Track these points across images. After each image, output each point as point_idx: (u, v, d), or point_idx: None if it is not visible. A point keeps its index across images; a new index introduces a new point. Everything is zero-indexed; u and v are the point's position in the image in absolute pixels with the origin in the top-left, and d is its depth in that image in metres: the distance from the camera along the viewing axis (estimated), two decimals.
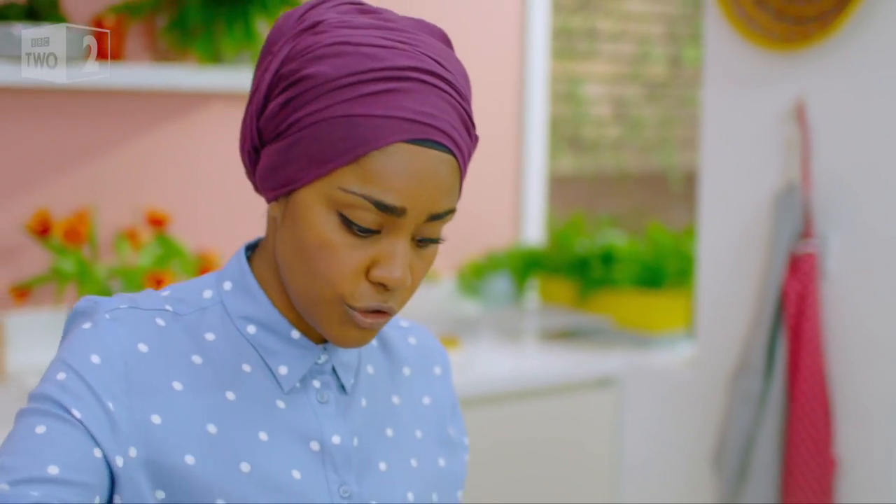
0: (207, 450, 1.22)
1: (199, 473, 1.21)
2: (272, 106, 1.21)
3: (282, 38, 1.23)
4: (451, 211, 1.21)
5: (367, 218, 1.16)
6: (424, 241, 1.21)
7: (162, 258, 2.82)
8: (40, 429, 1.16)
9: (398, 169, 1.16)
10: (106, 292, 2.67)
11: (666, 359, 3.15)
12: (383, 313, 1.21)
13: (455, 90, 1.20)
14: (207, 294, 1.30)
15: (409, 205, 1.16)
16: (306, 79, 1.18)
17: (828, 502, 2.62)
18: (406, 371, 1.43)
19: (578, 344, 3.34)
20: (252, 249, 1.35)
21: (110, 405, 1.18)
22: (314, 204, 1.19)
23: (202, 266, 2.91)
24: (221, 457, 1.22)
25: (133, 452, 1.19)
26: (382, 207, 1.16)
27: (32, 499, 1.11)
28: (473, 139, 1.24)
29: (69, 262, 2.71)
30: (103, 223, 3.01)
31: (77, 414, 1.17)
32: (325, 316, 1.21)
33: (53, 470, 1.14)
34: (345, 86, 1.16)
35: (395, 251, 1.18)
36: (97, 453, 1.16)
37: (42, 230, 2.69)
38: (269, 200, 1.26)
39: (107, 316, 1.22)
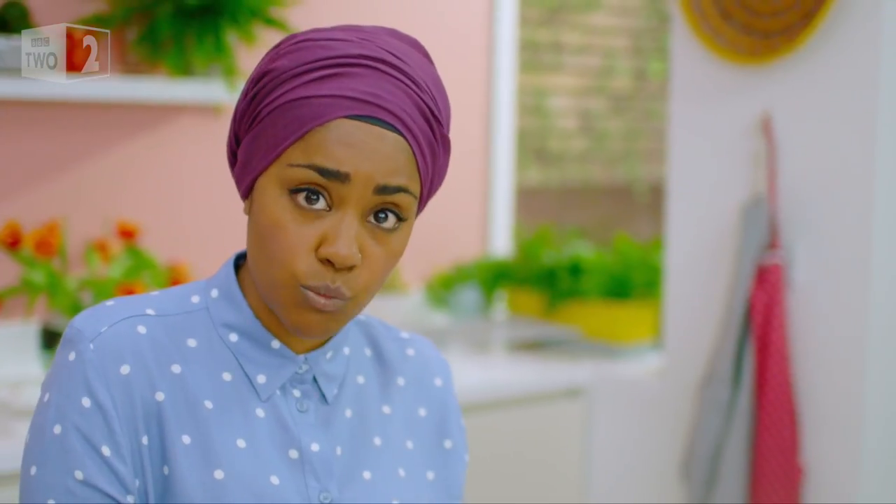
0: (182, 460, 1.24)
1: (173, 483, 1.23)
2: (243, 104, 1.26)
3: (265, 56, 1.28)
4: (405, 190, 1.21)
5: (314, 190, 1.19)
6: (380, 219, 1.22)
7: (132, 270, 2.82)
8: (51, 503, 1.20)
9: (339, 139, 1.19)
10: (76, 304, 2.67)
11: (634, 369, 3.17)
12: (336, 295, 1.22)
13: (411, 80, 1.22)
14: (195, 299, 1.32)
15: (352, 171, 1.18)
16: (269, 72, 1.23)
17: None
18: (400, 381, 1.43)
19: (546, 355, 3.36)
20: (243, 258, 1.37)
21: (106, 451, 1.21)
22: (268, 188, 1.22)
23: (173, 278, 2.92)
24: (194, 465, 1.24)
25: (137, 483, 1.22)
26: (325, 173, 1.18)
27: None
28: (437, 135, 1.25)
29: (39, 273, 2.71)
30: (74, 235, 3.01)
31: (80, 476, 1.20)
32: (284, 302, 1.23)
33: None
34: (298, 73, 1.21)
35: (342, 227, 1.20)
36: None
37: (12, 242, 2.68)
38: (244, 200, 1.29)
39: (91, 346, 1.24)
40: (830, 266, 2.63)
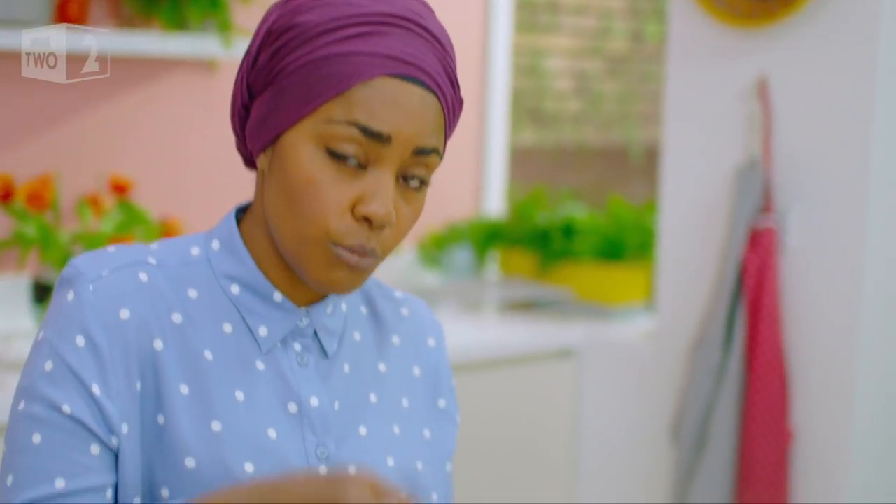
0: (179, 410, 1.23)
1: (169, 433, 1.23)
2: (262, 58, 1.24)
3: (276, 9, 1.26)
4: (437, 152, 1.22)
5: (353, 149, 1.19)
6: (410, 179, 1.23)
7: (124, 224, 2.81)
8: (36, 438, 1.20)
9: (384, 98, 1.18)
10: (68, 258, 2.66)
11: (626, 331, 3.18)
12: (369, 253, 1.23)
13: (437, 40, 1.23)
14: (195, 251, 1.32)
15: (395, 133, 1.19)
16: (293, 27, 1.21)
17: (784, 473, 2.66)
18: (395, 340, 1.43)
19: (538, 315, 3.36)
20: (243, 212, 1.36)
21: (96, 390, 1.21)
22: (301, 143, 1.21)
23: (165, 233, 2.91)
24: (192, 416, 1.24)
25: (125, 429, 1.22)
26: (369, 133, 1.18)
27: None
28: (458, 97, 1.26)
29: (32, 227, 2.70)
30: (66, 189, 3.00)
31: (67, 409, 1.20)
32: (312, 260, 1.23)
33: (60, 484, 1.19)
34: (329, 30, 1.20)
35: (380, 186, 1.20)
36: (94, 450, 1.20)
37: (4, 195, 2.67)
38: (256, 155, 1.27)
39: (90, 287, 1.23)
40: (824, 231, 2.63)
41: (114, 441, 1.21)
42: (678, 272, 2.93)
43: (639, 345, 3.07)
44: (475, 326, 3.20)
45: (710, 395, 2.76)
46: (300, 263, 1.24)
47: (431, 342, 1.47)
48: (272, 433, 1.27)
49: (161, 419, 1.23)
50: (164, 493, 1.23)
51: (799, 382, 2.68)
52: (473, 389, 3.01)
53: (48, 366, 1.21)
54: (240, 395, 1.27)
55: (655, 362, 3.00)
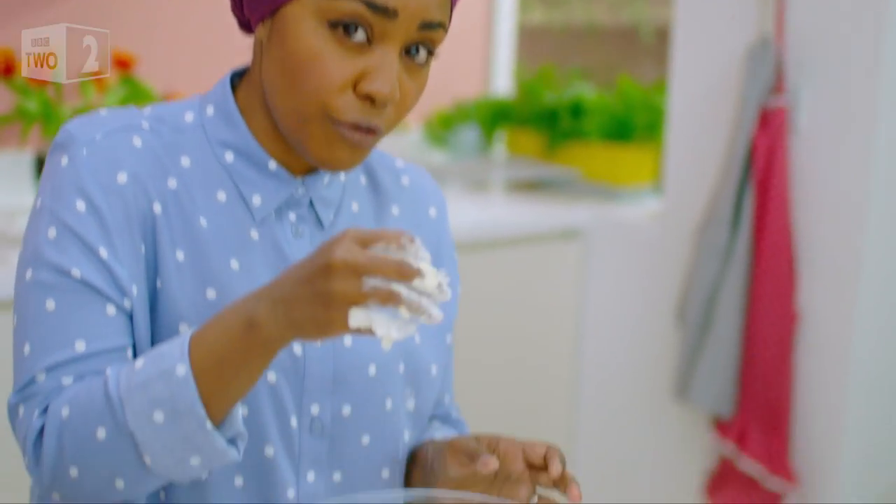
0: (174, 275, 1.22)
1: (165, 297, 1.22)
2: None
3: None
4: (443, 26, 1.21)
5: (358, 23, 1.16)
6: (415, 54, 1.20)
7: (127, 100, 2.78)
8: (50, 304, 1.18)
9: None
10: None
11: (633, 212, 3.16)
12: (371, 131, 1.20)
13: None
14: (189, 117, 1.29)
15: (401, 7, 1.16)
16: None
17: (788, 354, 2.66)
18: (395, 210, 1.41)
19: (545, 196, 3.34)
20: (239, 77, 1.33)
21: (103, 253, 1.19)
22: (303, 18, 1.18)
23: None
24: (187, 282, 1.23)
25: (135, 290, 1.20)
26: (374, 7, 1.15)
27: (66, 388, 1.16)
28: None
29: (34, 102, 2.67)
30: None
31: (77, 273, 1.18)
32: (311, 137, 1.21)
33: (81, 346, 1.17)
34: None
35: (385, 63, 1.18)
36: (110, 311, 1.19)
37: (6, 69, 2.64)
38: (254, 24, 1.24)
39: (84, 151, 1.21)
40: (836, 111, 2.59)
41: (126, 303, 1.20)
42: (687, 153, 2.90)
43: (645, 226, 3.05)
44: (481, 206, 3.18)
45: (716, 276, 2.75)
46: (299, 140, 1.22)
47: (433, 212, 1.45)
48: None
49: (159, 283, 1.22)
50: None
51: (806, 264, 2.67)
52: (479, 269, 3.00)
53: (51, 232, 1.19)
54: (235, 264, 1.25)
55: (662, 243, 2.98)
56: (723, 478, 2.81)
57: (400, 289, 1.03)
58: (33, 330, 1.18)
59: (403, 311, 1.04)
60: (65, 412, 1.13)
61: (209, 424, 1.10)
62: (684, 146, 2.90)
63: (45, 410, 1.16)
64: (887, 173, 2.58)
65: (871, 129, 2.53)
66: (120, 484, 1.13)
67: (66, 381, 1.16)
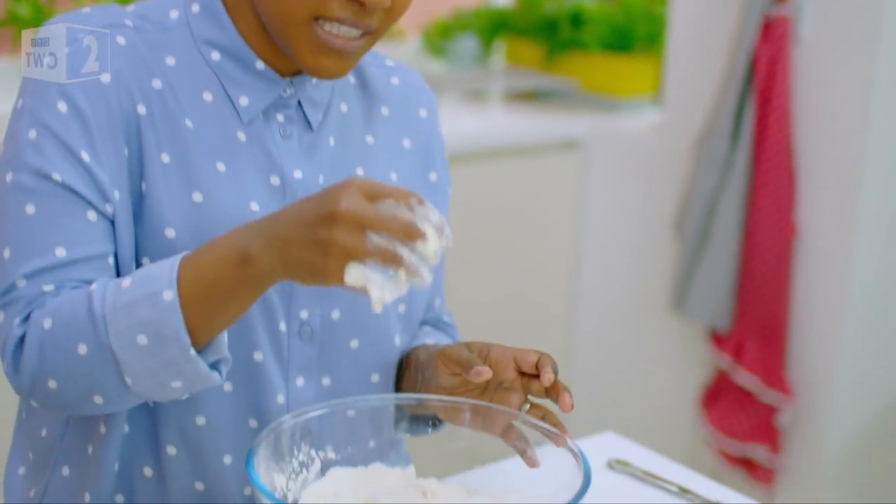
0: (160, 178, 1.20)
1: (150, 201, 1.19)
2: None
3: None
4: None
5: None
6: None
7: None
8: (30, 209, 1.15)
9: None
10: None
11: (632, 123, 3.13)
12: (360, 37, 1.18)
13: None
14: (174, 14, 1.25)
15: None
16: None
17: (787, 267, 2.65)
18: (384, 111, 1.38)
19: (544, 106, 3.30)
20: None
21: (85, 156, 1.16)
22: None
23: None
24: (173, 185, 1.20)
25: (117, 195, 1.17)
26: None
27: (49, 297, 1.14)
28: None
29: (25, 7, 2.63)
30: None
31: (58, 177, 1.15)
32: (297, 40, 1.18)
33: (61, 252, 1.15)
34: None
35: None
36: (91, 216, 1.16)
37: None
38: None
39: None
40: (839, 21, 2.55)
41: (108, 208, 1.17)
42: (687, 63, 2.86)
43: (645, 137, 3.02)
44: (479, 116, 3.15)
45: (715, 188, 2.72)
46: (286, 44, 1.20)
47: (423, 113, 1.42)
48: (254, 206, 1.23)
49: (144, 186, 1.19)
50: (146, 262, 1.20)
51: (806, 177, 2.64)
52: (476, 180, 2.97)
53: (31, 134, 1.17)
54: (221, 167, 1.23)
55: (661, 155, 2.95)
56: (718, 391, 2.81)
57: (402, 250, 1.01)
58: (13, 234, 1.16)
59: (401, 273, 1.02)
60: (47, 323, 1.12)
61: (192, 352, 1.09)
62: (685, 56, 2.87)
63: (27, 318, 1.14)
64: (890, 84, 2.54)
65: (875, 38, 2.49)
66: (99, 399, 1.13)
67: (47, 288, 1.14)
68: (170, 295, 1.08)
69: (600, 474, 1.45)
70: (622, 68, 3.26)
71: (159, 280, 1.09)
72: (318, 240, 1.02)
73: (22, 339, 1.13)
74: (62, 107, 1.17)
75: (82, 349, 1.10)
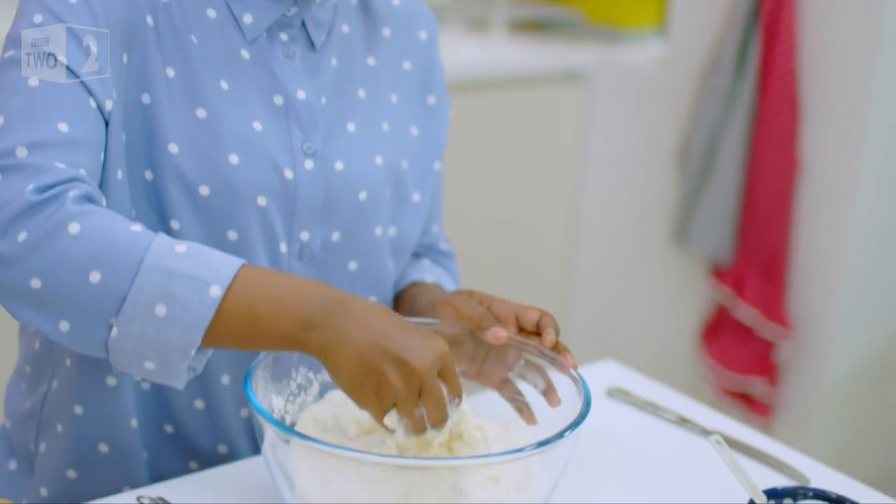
0: (164, 92, 1.18)
1: (154, 114, 1.17)
2: None
3: None
4: None
5: None
6: None
7: None
8: (33, 81, 1.10)
9: None
10: None
11: (636, 55, 3.10)
12: None
13: None
14: None
15: None
16: None
17: (789, 202, 2.63)
18: (386, 32, 1.37)
19: (547, 37, 3.28)
20: None
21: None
22: None
23: None
24: (177, 100, 1.18)
25: (114, 94, 1.15)
26: None
27: (59, 171, 1.06)
28: None
29: None
30: None
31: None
32: None
33: (63, 128, 1.09)
34: None
35: None
36: (92, 104, 1.12)
37: None
38: None
39: None
40: None
41: (108, 104, 1.14)
42: None
43: (649, 69, 3.00)
44: (482, 46, 3.13)
45: (719, 121, 2.70)
46: None
47: (423, 35, 1.41)
48: (257, 125, 1.22)
49: (146, 99, 1.17)
50: (148, 175, 1.18)
51: (810, 112, 2.62)
52: (478, 110, 2.95)
53: (37, 18, 1.12)
54: (224, 85, 1.21)
55: (665, 88, 2.93)
56: (718, 325, 2.81)
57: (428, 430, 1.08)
58: (12, 102, 1.09)
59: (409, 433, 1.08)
60: (74, 228, 1.04)
61: (193, 351, 1.05)
62: None
63: (50, 191, 1.05)
64: None
65: None
66: (65, 326, 1.06)
67: (60, 165, 1.07)
68: (217, 291, 1.04)
69: (600, 402, 1.45)
70: None
71: (216, 270, 1.05)
72: (379, 371, 1.04)
73: (33, 207, 1.04)
74: None
75: (95, 277, 1.04)
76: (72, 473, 1.29)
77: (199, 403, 1.27)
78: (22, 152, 1.06)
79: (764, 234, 2.67)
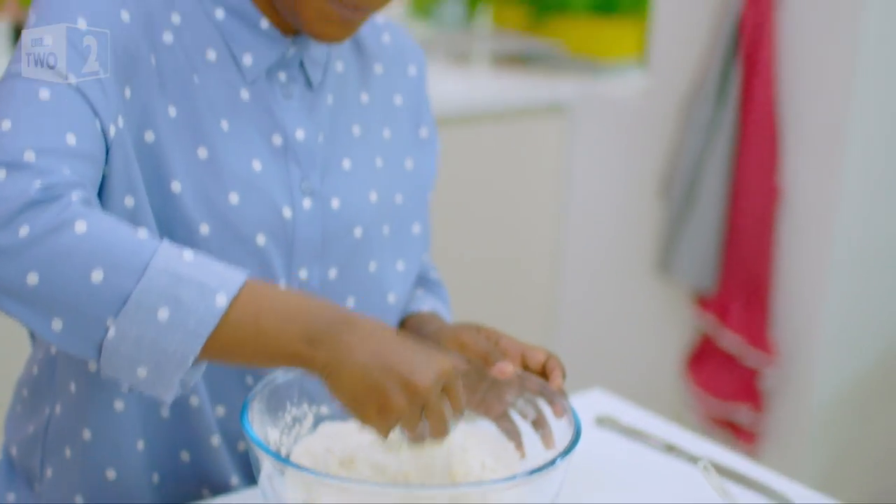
0: (168, 131, 1.19)
1: (158, 152, 1.19)
2: None
3: None
4: None
5: None
6: None
7: None
8: (44, 94, 1.09)
9: None
10: None
11: (618, 87, 3.13)
12: (363, 8, 1.19)
13: None
14: None
15: None
16: None
17: (771, 230, 2.66)
18: (378, 69, 1.39)
19: (529, 70, 3.31)
20: None
21: (101, 72, 1.13)
22: None
23: None
24: (180, 140, 1.20)
25: (120, 122, 1.15)
26: None
27: (66, 175, 1.05)
28: None
29: None
30: None
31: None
32: (304, 10, 1.19)
33: (72, 140, 1.08)
34: None
35: None
36: (97, 126, 1.11)
37: None
38: None
39: None
40: None
41: (112, 130, 1.13)
42: (673, 27, 2.87)
43: (631, 101, 3.03)
44: (465, 79, 3.15)
45: (700, 151, 2.73)
46: (292, 11, 1.20)
47: (412, 70, 1.44)
48: (257, 165, 1.24)
49: (150, 136, 1.18)
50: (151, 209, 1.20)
51: (791, 140, 2.65)
52: (462, 143, 2.97)
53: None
54: (225, 125, 1.23)
55: (647, 119, 2.96)
56: (703, 353, 2.83)
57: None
58: (20, 111, 1.08)
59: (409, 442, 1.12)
60: (81, 226, 1.02)
61: (191, 360, 1.03)
62: (671, 20, 2.87)
63: (52, 190, 1.04)
64: (875, 49, 2.55)
65: (860, 4, 2.50)
66: (58, 324, 1.03)
67: (67, 172, 1.06)
68: (223, 300, 1.03)
69: (589, 430, 1.47)
70: (608, 31, 3.27)
71: (223, 280, 1.04)
72: (383, 389, 1.04)
73: (38, 204, 1.02)
74: (82, 23, 1.13)
75: (97, 275, 1.01)
76: (79, 499, 1.30)
77: (215, 440, 1.28)
78: (30, 155, 1.05)
79: (747, 262, 2.69)
